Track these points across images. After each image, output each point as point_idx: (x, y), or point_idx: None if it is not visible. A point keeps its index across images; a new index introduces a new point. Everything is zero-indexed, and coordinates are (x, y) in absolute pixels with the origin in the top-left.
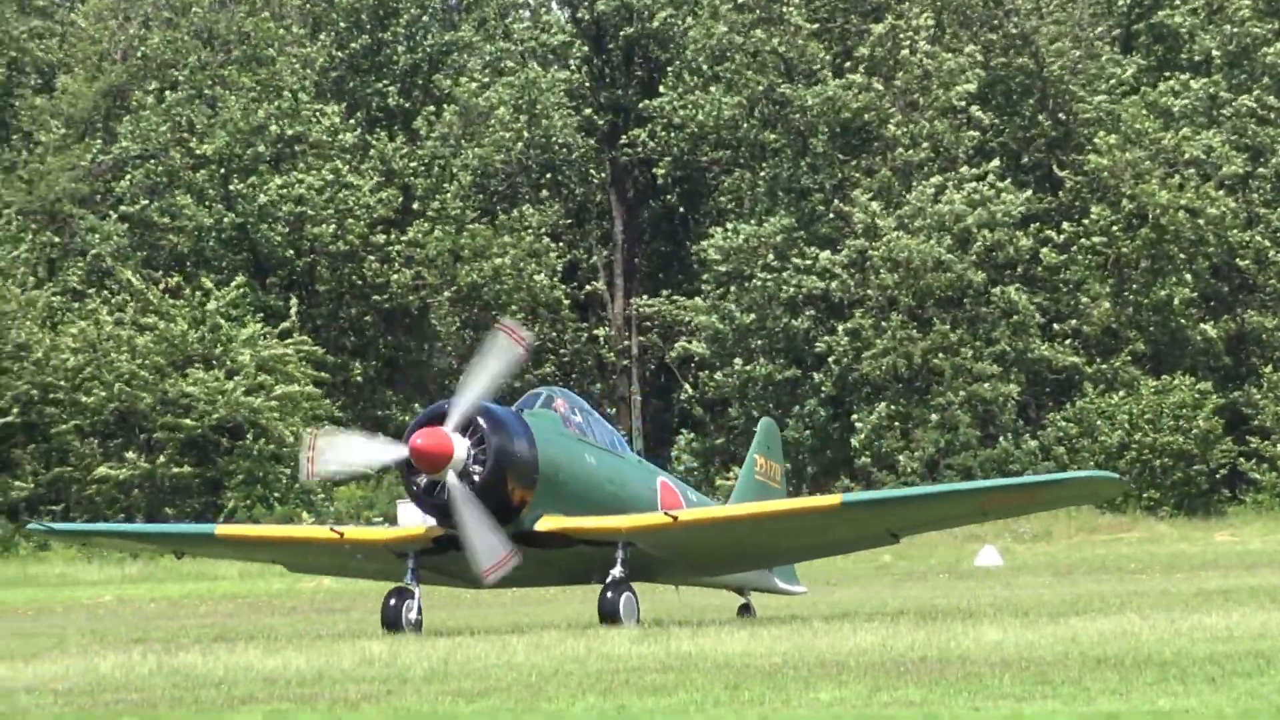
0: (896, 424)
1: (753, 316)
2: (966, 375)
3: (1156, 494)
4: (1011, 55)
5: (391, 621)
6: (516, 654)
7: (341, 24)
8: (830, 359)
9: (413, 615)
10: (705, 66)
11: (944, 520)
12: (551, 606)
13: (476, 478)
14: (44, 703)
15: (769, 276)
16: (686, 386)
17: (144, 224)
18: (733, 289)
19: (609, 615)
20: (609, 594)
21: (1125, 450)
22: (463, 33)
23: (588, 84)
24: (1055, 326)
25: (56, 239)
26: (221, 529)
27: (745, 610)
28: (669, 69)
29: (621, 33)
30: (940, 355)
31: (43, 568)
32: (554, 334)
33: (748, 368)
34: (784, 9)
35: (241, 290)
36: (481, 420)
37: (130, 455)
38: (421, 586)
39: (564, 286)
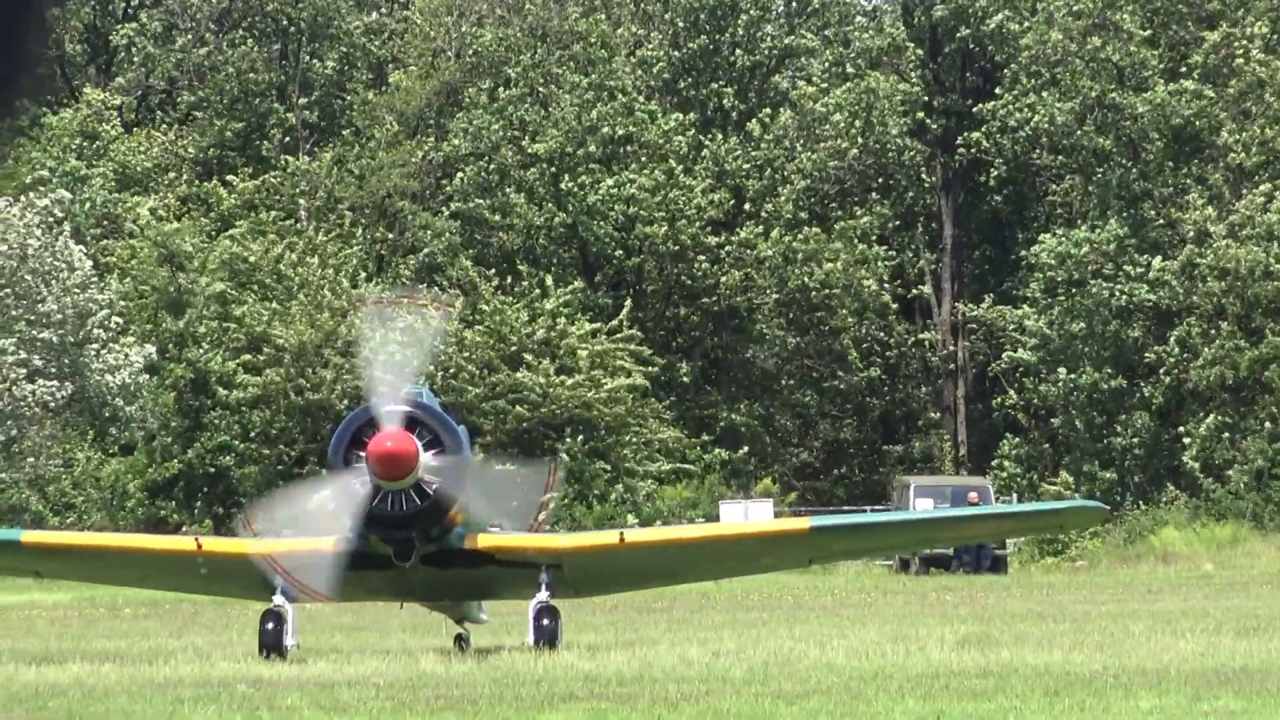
0: (1225, 435)
1: (1081, 324)
2: None
3: None
4: None
5: (272, 645)
6: (837, 657)
7: (679, 24)
8: (1161, 370)
9: (289, 640)
10: (1042, 70)
11: (892, 548)
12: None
13: (432, 489)
14: (365, 697)
15: (1103, 284)
16: (1011, 392)
17: (474, 221)
18: (1060, 295)
19: (549, 641)
20: (545, 620)
21: None
22: (805, 39)
23: (921, 89)
24: None
25: (390, 235)
26: (30, 536)
27: (461, 640)
28: (1004, 71)
29: (956, 35)
30: (1273, 366)
31: None
32: (880, 336)
33: (1073, 375)
34: (1118, 16)
35: (574, 292)
36: (430, 420)
37: None
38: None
39: (891, 290)
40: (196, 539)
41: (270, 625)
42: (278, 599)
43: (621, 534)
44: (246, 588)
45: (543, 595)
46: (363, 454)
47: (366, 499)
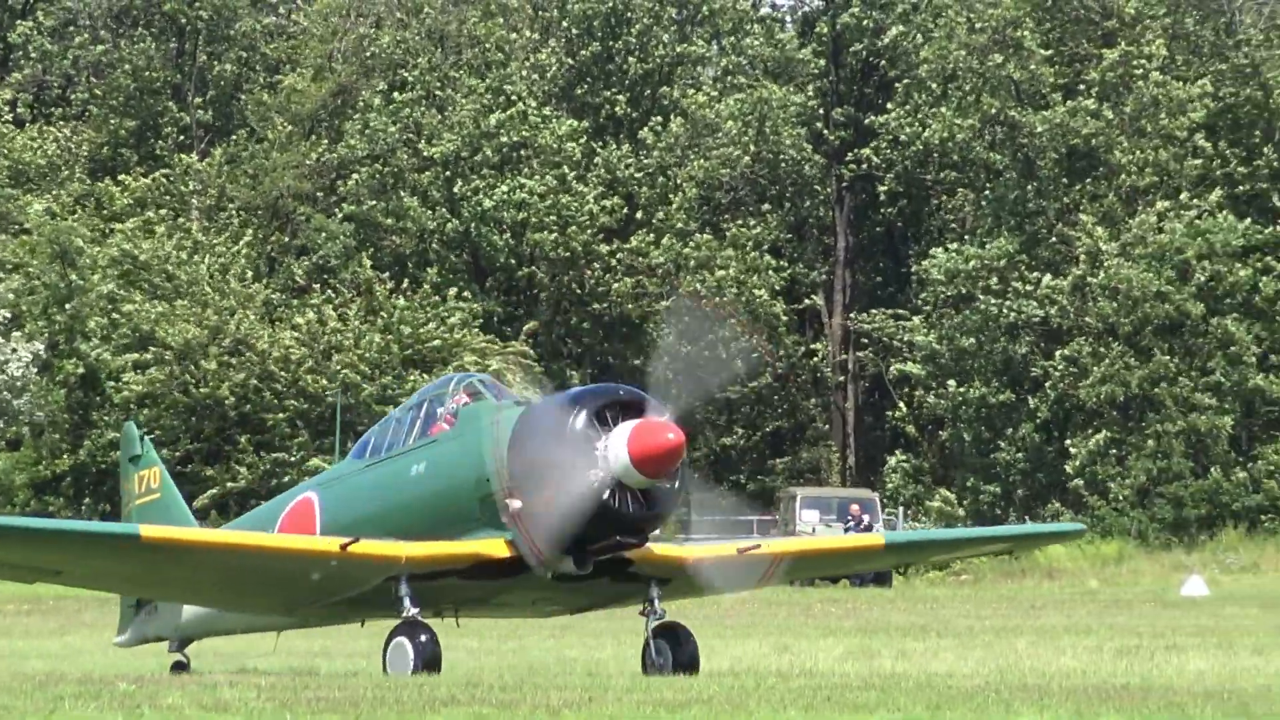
0: (1112, 451)
1: (970, 340)
2: (1183, 405)
3: None
4: (1239, 85)
5: (433, 661)
6: (721, 666)
7: (573, 31)
8: (1047, 384)
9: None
10: (935, 86)
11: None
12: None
13: (660, 496)
14: (246, 697)
15: (991, 300)
16: (900, 405)
17: (368, 224)
18: (950, 310)
19: (688, 665)
20: (684, 644)
21: None
22: (696, 46)
23: (817, 100)
24: (1273, 358)
25: (283, 236)
26: (149, 531)
27: (182, 665)
28: (898, 85)
29: (851, 49)
30: (1161, 385)
31: None
32: (771, 347)
33: (962, 389)
34: (1018, 33)
35: (469, 302)
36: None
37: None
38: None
39: (782, 302)
40: (344, 541)
41: (424, 637)
42: (411, 607)
43: (753, 545)
44: (293, 598)
45: (658, 610)
46: (606, 433)
47: (598, 491)
